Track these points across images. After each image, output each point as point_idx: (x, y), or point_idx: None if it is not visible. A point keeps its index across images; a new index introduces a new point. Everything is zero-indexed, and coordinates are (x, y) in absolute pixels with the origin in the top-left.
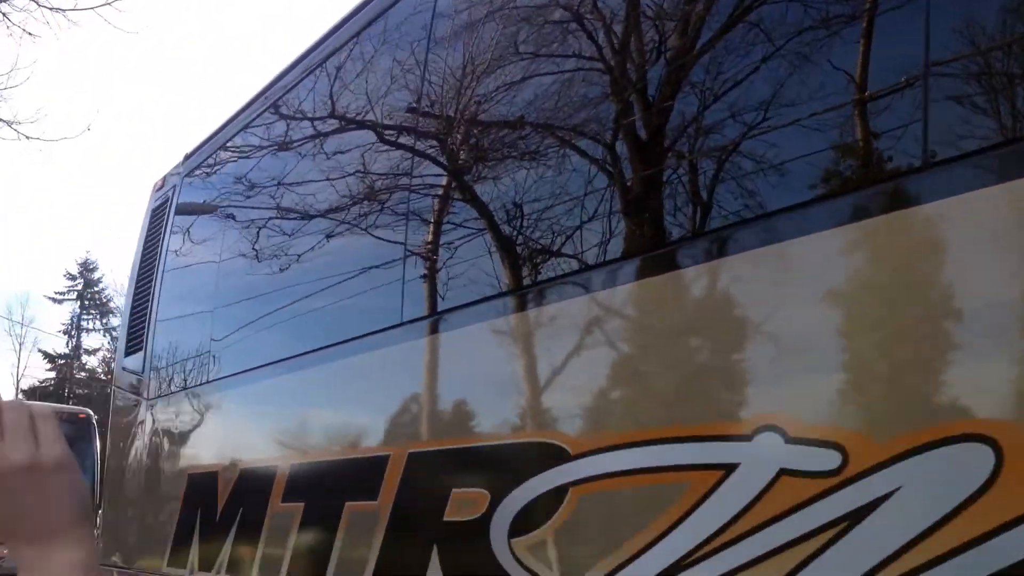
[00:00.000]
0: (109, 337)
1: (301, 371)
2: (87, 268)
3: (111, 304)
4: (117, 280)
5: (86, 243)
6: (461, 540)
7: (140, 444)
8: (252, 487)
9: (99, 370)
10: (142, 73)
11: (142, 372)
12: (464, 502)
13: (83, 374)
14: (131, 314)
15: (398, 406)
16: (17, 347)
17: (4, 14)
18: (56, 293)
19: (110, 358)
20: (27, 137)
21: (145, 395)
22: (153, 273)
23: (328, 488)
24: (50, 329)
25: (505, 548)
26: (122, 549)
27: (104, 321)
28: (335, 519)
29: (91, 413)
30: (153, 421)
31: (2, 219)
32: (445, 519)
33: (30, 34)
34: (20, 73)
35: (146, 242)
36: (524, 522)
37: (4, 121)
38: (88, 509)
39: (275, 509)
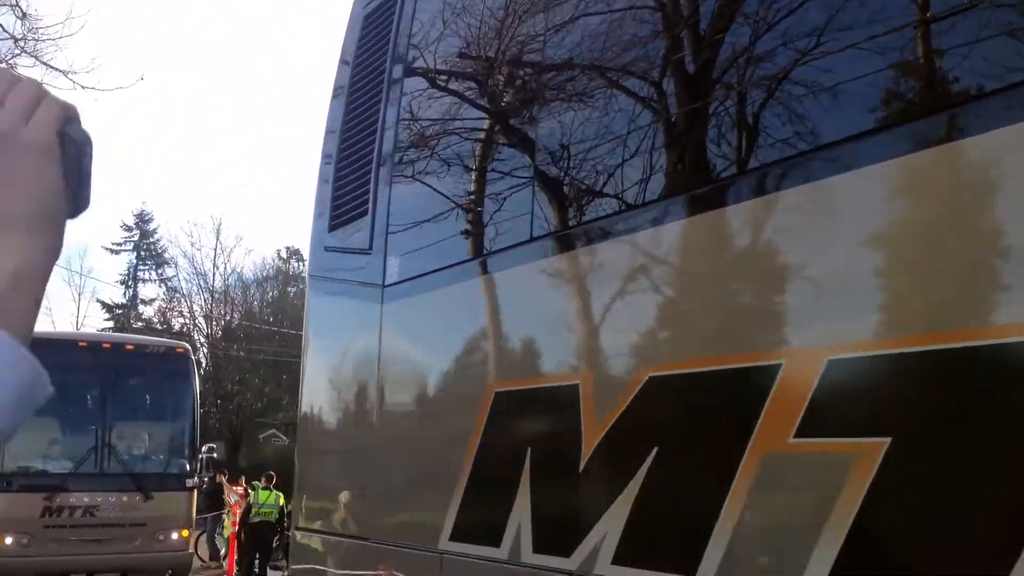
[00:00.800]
0: (164, 288)
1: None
2: (143, 219)
3: (166, 255)
4: (171, 231)
5: (142, 194)
6: None
7: (368, 355)
8: (702, 410)
9: (155, 320)
10: (195, 21)
11: (368, 248)
12: None
13: (139, 324)
14: (339, 171)
15: None
16: (76, 297)
17: None
18: (113, 244)
19: (166, 308)
20: (82, 87)
21: (378, 281)
22: (377, 104)
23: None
24: (107, 279)
25: None
26: (344, 514)
27: (159, 271)
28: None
29: (188, 348)
30: (399, 318)
31: None
32: None
33: None
34: (75, 22)
35: (358, 64)
36: None
37: (60, 71)
38: (52, 213)
39: (777, 448)
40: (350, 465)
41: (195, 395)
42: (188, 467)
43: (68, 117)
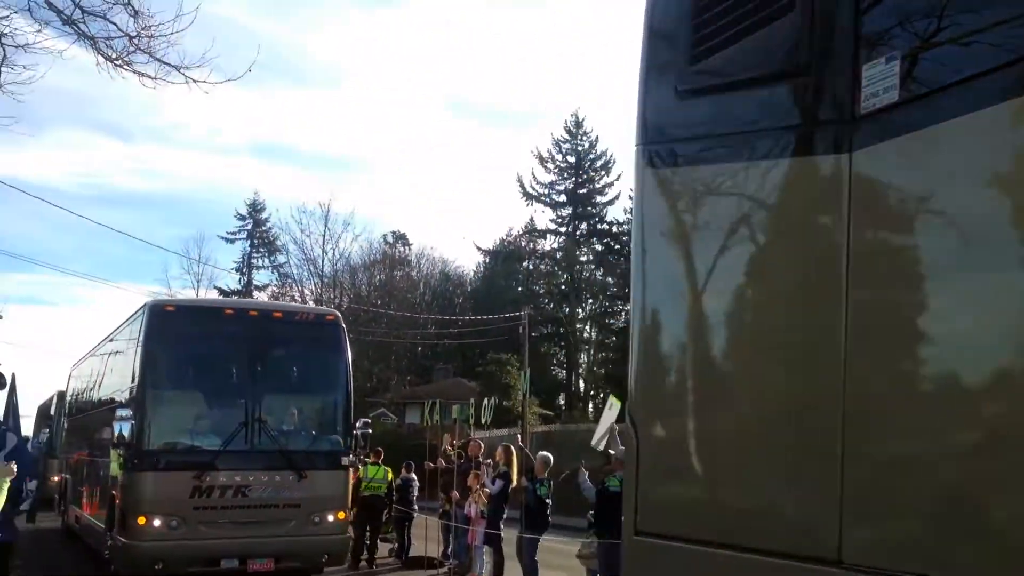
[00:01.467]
0: (277, 274)
1: None
2: (255, 208)
3: (277, 242)
4: (282, 218)
5: (254, 184)
6: None
7: (814, 261)
8: None
9: None
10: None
11: (795, 61)
12: None
13: None
14: None
15: None
16: (195, 284)
17: None
18: (228, 233)
19: (278, 293)
20: (194, 81)
21: (834, 114)
22: None
23: None
24: (224, 267)
25: None
26: (764, 520)
27: (272, 258)
28: None
29: (339, 315)
30: (896, 179)
31: (177, 162)
32: None
33: None
34: (185, 18)
35: None
36: None
37: (172, 66)
38: None
39: None
40: (772, 449)
41: (348, 365)
42: (343, 444)
43: None
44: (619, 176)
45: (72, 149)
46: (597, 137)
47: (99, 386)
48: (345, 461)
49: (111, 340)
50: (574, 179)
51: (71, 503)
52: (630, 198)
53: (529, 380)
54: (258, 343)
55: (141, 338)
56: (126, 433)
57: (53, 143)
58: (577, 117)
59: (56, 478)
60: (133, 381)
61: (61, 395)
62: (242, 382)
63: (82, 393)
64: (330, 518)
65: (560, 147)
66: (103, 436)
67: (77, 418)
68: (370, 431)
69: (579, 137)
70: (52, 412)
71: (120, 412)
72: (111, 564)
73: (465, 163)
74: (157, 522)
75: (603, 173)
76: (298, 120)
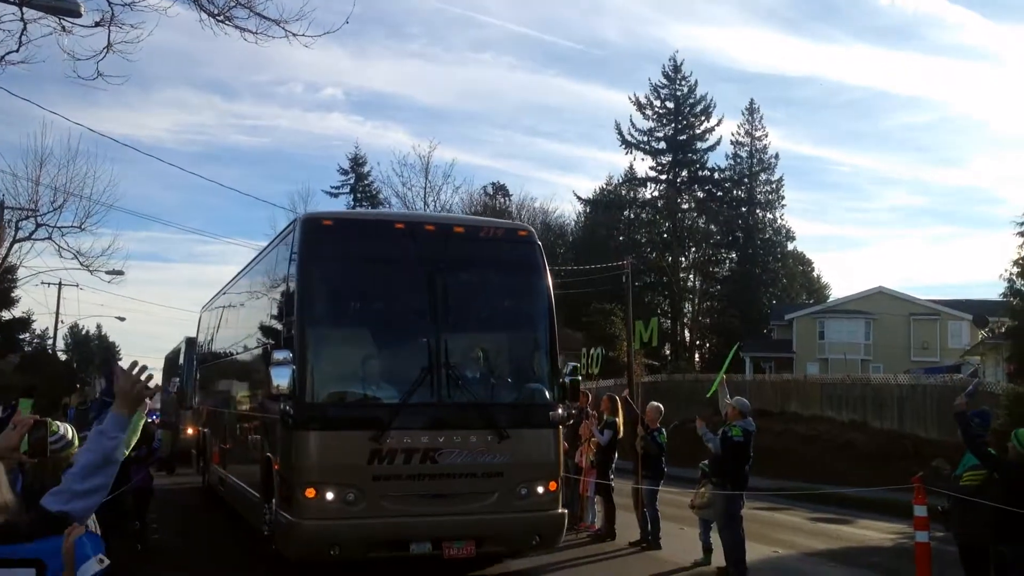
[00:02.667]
0: None
1: None
2: (357, 163)
3: (379, 195)
4: (383, 172)
5: (355, 137)
6: None
7: None
8: None
9: None
10: None
11: None
12: None
13: None
14: None
15: None
16: None
17: None
18: (332, 188)
19: None
20: (293, 35)
21: None
22: None
23: None
24: None
25: None
26: None
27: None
28: None
29: (533, 231)
30: None
31: (280, 118)
32: None
33: None
34: None
35: None
36: None
37: (272, 20)
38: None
39: None
40: None
41: (549, 293)
42: (550, 395)
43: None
44: (719, 121)
45: (178, 108)
46: (696, 81)
47: (239, 326)
48: (555, 416)
49: (251, 272)
50: (673, 125)
51: (212, 461)
52: (732, 143)
53: (644, 329)
54: (439, 265)
55: (296, 261)
56: (281, 381)
57: (161, 102)
58: (675, 61)
59: (191, 430)
60: (286, 317)
61: (191, 341)
62: (422, 316)
63: (217, 337)
64: (540, 489)
65: (659, 92)
66: (248, 384)
67: (213, 365)
68: (580, 378)
69: (678, 82)
70: (181, 361)
71: (274, 355)
72: (272, 543)
73: (563, 111)
74: (330, 495)
75: (703, 119)
76: (395, 73)
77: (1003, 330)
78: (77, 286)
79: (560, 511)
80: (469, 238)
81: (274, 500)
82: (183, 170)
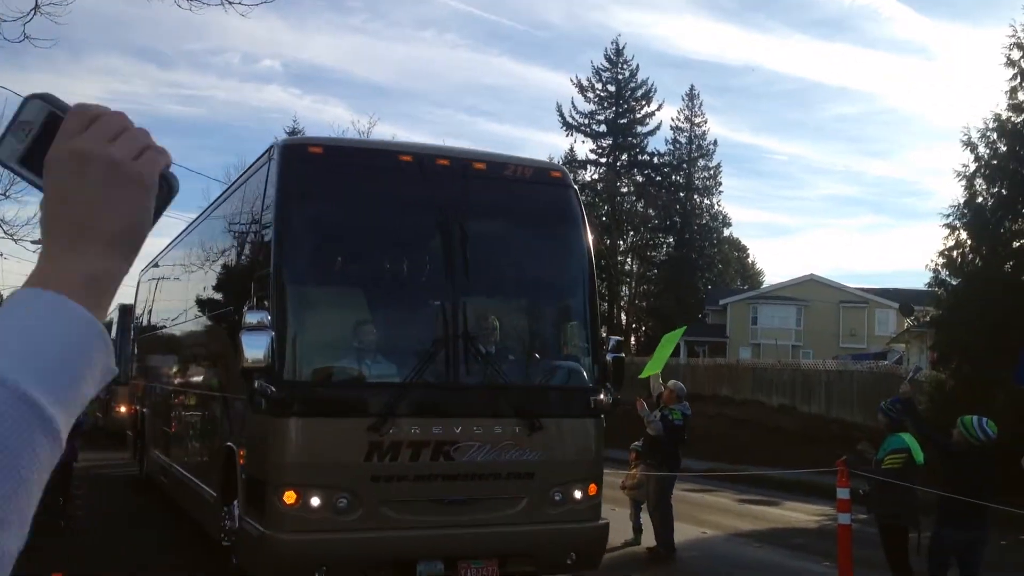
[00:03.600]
0: None
1: None
2: (294, 136)
3: None
4: None
5: (293, 110)
6: None
7: None
8: None
9: None
10: None
11: None
12: None
13: None
14: None
15: None
16: None
17: None
18: None
19: None
20: (229, 3)
21: None
22: None
23: None
24: None
25: None
26: None
27: None
28: None
29: (566, 172)
30: None
31: (215, 89)
32: None
33: None
34: None
35: None
36: None
37: None
38: (138, 240)
39: None
40: None
41: (589, 250)
42: (589, 375)
43: (168, 163)
44: (660, 106)
45: (110, 74)
46: (638, 66)
47: (192, 288)
48: (597, 402)
49: (210, 218)
50: (614, 109)
51: (152, 446)
52: (672, 129)
53: None
54: (455, 210)
55: (274, 200)
56: (255, 352)
57: (93, 68)
58: (617, 45)
59: (124, 408)
60: (259, 272)
61: (125, 309)
62: (434, 272)
63: (162, 302)
64: (577, 494)
65: (600, 76)
66: (204, 357)
67: (156, 334)
68: (623, 354)
69: (619, 66)
70: (113, 333)
71: (247, 318)
72: (233, 556)
73: (505, 92)
74: (316, 500)
75: (643, 103)
76: (335, 47)
77: (928, 319)
78: (1, 255)
79: (602, 522)
80: (492, 177)
81: (236, 503)
82: None
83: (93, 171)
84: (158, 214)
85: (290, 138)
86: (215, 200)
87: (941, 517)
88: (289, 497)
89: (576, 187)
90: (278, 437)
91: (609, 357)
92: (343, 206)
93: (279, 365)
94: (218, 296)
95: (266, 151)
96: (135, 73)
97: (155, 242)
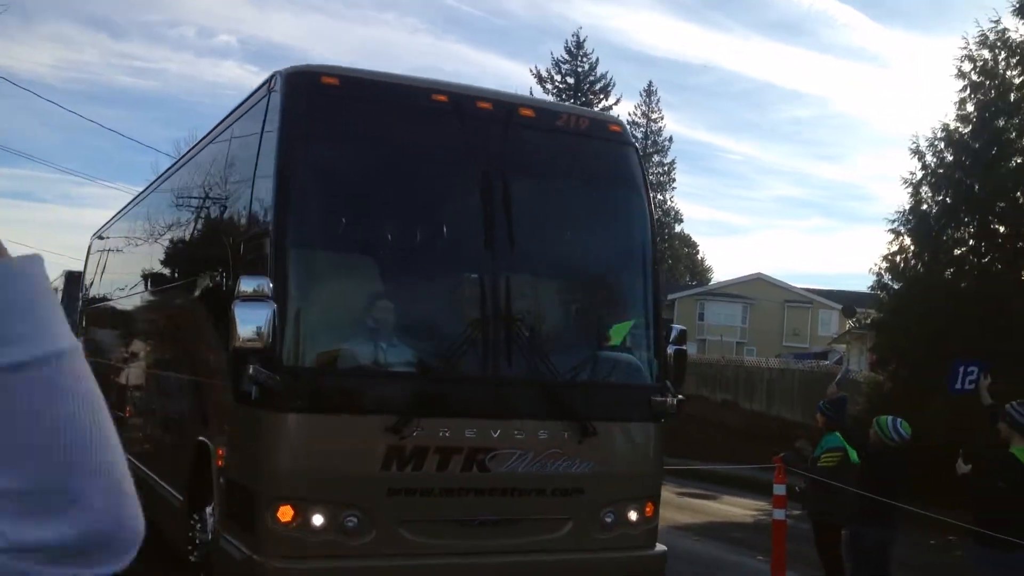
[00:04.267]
0: None
1: None
2: None
3: None
4: None
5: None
6: None
7: None
8: None
9: None
10: None
11: None
12: None
13: None
14: None
15: None
16: None
17: None
18: None
19: None
20: None
21: None
22: None
23: None
24: None
25: None
26: None
27: None
28: None
29: (626, 126)
30: None
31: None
32: None
33: None
34: None
35: None
36: None
37: None
38: None
39: None
40: None
41: (652, 219)
42: (650, 371)
43: None
44: (618, 100)
45: (62, 43)
46: (597, 59)
47: (157, 252)
48: (658, 404)
49: (185, 167)
50: (573, 101)
51: None
52: (628, 123)
53: None
54: (497, 162)
55: (277, 141)
56: (251, 328)
57: (44, 35)
58: (578, 37)
59: None
60: (251, 231)
61: (72, 277)
62: (470, 238)
63: (119, 268)
64: (632, 515)
65: (560, 68)
66: (171, 332)
67: (110, 306)
68: (685, 347)
69: (579, 58)
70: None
71: (241, 285)
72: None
73: (463, 79)
74: (319, 518)
75: (602, 96)
76: (294, 25)
77: (869, 321)
78: None
79: (659, 549)
80: (541, 127)
81: (210, 512)
82: (63, 108)
83: None
84: None
85: (298, 65)
86: (199, 142)
87: (859, 516)
88: (284, 514)
89: (636, 145)
90: (273, 437)
91: (670, 349)
92: (361, 152)
93: (278, 348)
94: (194, 260)
95: (265, 81)
96: (87, 42)
97: (108, 203)
